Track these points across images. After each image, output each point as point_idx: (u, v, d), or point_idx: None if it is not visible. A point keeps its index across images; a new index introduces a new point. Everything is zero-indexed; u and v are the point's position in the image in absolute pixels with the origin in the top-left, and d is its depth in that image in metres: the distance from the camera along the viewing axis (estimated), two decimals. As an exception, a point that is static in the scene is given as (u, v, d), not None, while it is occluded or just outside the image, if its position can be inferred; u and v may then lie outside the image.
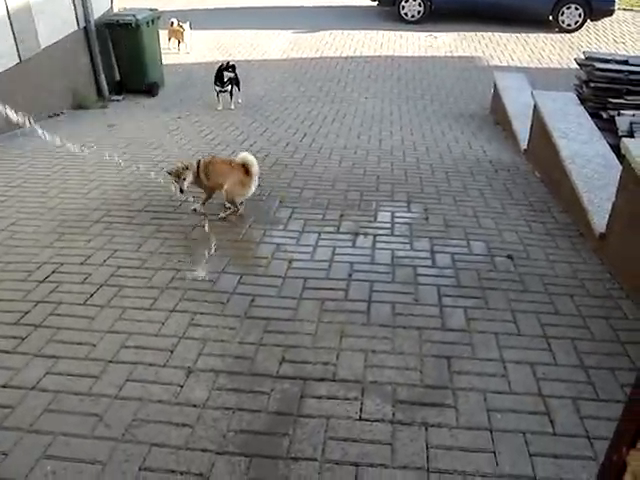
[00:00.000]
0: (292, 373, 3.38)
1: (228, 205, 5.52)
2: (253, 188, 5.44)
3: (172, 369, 3.40)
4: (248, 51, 15.55)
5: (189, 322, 3.83)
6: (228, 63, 10.38)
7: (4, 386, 3.24)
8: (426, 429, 3.01)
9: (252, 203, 5.72)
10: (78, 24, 10.87)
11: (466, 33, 17.00)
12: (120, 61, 11.80)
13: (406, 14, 18.02)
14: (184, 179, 5.28)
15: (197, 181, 5.47)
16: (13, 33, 8.62)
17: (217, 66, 10.43)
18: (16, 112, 8.64)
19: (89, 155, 7.46)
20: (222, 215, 5.49)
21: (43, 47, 9.57)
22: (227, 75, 10.25)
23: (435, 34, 16.99)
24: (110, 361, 3.46)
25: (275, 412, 3.09)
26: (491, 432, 3.00)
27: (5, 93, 8.38)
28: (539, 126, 7.09)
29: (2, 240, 4.98)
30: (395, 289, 4.31)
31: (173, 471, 2.72)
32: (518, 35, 16.62)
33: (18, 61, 8.80)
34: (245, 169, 5.32)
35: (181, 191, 5.32)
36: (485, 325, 3.89)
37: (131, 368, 3.40)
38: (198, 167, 5.41)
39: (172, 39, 15.26)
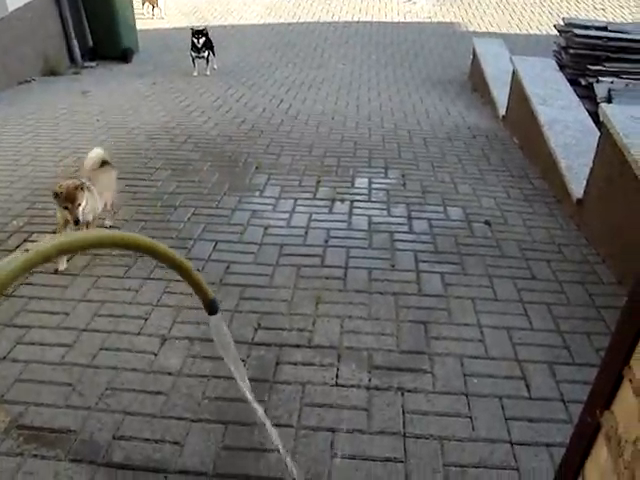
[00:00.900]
0: (268, 340, 3.35)
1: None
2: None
3: (146, 337, 3.36)
4: (224, 16, 15.31)
5: (163, 290, 3.78)
6: (199, 29, 10.19)
7: (-26, 356, 3.19)
8: (402, 394, 3.00)
9: (228, 169, 5.65)
10: (49, -14, 10.59)
11: (445, -1, 16.87)
12: (93, 26, 11.54)
13: (384, -21, 17.82)
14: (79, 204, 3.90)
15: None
16: (-20, -5, 8.39)
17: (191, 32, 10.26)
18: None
19: (62, 122, 7.32)
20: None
21: (11, 10, 9.31)
22: (194, 41, 10.06)
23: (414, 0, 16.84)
24: (83, 330, 3.40)
25: (251, 379, 3.06)
26: (467, 397, 2.99)
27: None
28: (518, 92, 7.05)
29: (-28, 208, 4.88)
30: (372, 255, 4.29)
31: (147, 439, 2.69)
32: (497, 1, 16.50)
33: (-15, 25, 8.58)
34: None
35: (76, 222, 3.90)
36: (462, 290, 3.88)
37: (104, 337, 3.35)
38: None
39: (146, 4, 15.00)
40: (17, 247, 4.27)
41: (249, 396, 2.15)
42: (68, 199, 3.84)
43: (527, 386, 3.08)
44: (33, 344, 3.29)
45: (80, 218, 3.87)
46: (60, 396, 2.93)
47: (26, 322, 3.47)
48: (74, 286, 3.84)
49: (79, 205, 3.86)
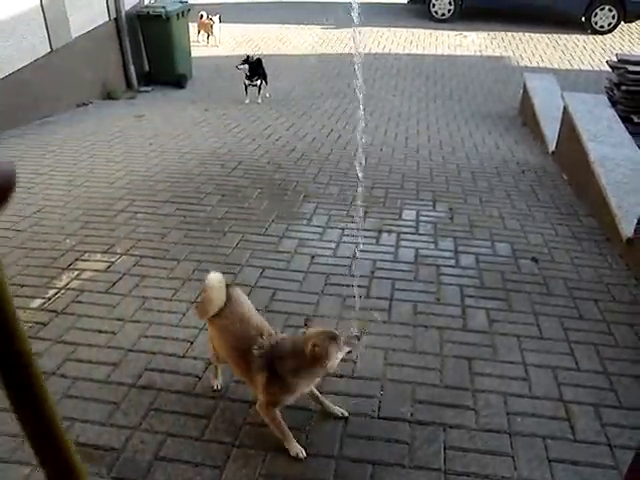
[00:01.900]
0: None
1: None
2: None
3: (191, 360, 3.40)
4: (277, 45, 15.57)
5: (210, 314, 3.83)
6: (249, 57, 10.37)
7: (25, 371, 3.26)
8: (444, 430, 2.98)
9: (277, 197, 5.72)
10: (109, 15, 10.94)
11: (496, 33, 16.87)
12: (150, 52, 11.87)
13: (436, 12, 17.92)
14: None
15: None
16: (45, 22, 8.70)
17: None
18: (45, 100, 8.73)
19: (116, 145, 7.51)
20: None
21: (74, 37, 9.64)
22: (242, 68, 10.22)
23: (465, 33, 16.88)
24: (130, 350, 3.47)
25: (292, 407, 3.08)
26: (510, 436, 2.96)
27: (36, 81, 8.47)
28: (568, 128, 7.00)
29: (28, 227, 5.02)
30: (417, 288, 4.28)
31: (188, 462, 2.72)
32: (549, 36, 16.46)
33: (49, 50, 8.88)
34: None
35: None
36: (507, 327, 3.85)
37: (150, 357, 3.40)
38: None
39: (201, 32, 15.33)
40: (69, 265, 4.38)
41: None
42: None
43: (572, 428, 3.03)
44: (81, 361, 3.36)
45: None
46: (105, 414, 2.98)
47: (75, 339, 3.55)
48: (122, 306, 3.92)
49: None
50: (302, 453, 2.74)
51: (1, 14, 7.80)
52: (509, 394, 3.25)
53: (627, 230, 4.82)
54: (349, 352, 2.78)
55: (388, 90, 12.26)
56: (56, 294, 4.02)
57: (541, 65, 14.17)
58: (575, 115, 6.81)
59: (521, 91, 10.56)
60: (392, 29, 17.21)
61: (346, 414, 2.98)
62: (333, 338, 2.66)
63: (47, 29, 8.76)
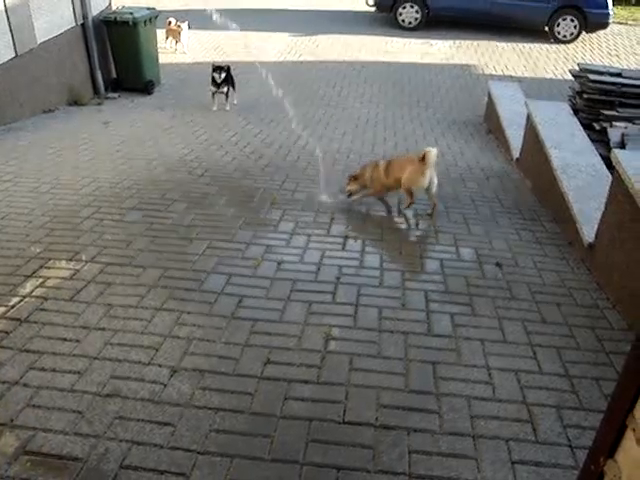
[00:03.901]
0: (276, 374, 3.37)
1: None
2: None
3: (157, 367, 3.39)
4: (245, 53, 15.54)
5: (175, 321, 3.83)
6: (220, 65, 10.35)
7: (-14, 380, 3.23)
8: (408, 434, 3.01)
9: (244, 204, 5.73)
10: (76, 21, 10.82)
11: (462, 41, 17.06)
12: (117, 59, 11.77)
13: (403, 20, 18.07)
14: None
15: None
16: (10, 27, 8.59)
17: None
18: (10, 106, 8.62)
19: (83, 151, 7.45)
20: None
21: (40, 42, 9.53)
22: (217, 76, 10.22)
23: (432, 41, 17.04)
24: (95, 357, 3.44)
25: (255, 413, 3.09)
26: (474, 438, 3.00)
27: (0, 86, 8.36)
28: (531, 135, 7.11)
29: (-9, 234, 4.96)
30: (382, 293, 4.31)
31: (153, 469, 2.71)
32: (514, 45, 16.70)
33: (14, 55, 8.77)
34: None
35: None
36: (471, 332, 3.90)
37: (115, 365, 3.38)
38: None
39: (169, 38, 15.24)
40: (33, 273, 4.34)
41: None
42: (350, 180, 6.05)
43: (534, 430, 3.08)
44: (45, 370, 3.33)
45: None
46: (69, 423, 2.96)
47: (39, 348, 3.51)
48: (87, 313, 3.89)
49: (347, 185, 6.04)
50: None
51: (-36, 19, 7.70)
52: (473, 397, 3.29)
53: (588, 235, 4.91)
54: None
55: (355, 97, 12.32)
56: (20, 302, 3.98)
57: (506, 73, 14.36)
58: (538, 123, 6.91)
59: (486, 99, 10.69)
60: (359, 37, 17.30)
61: None
62: None
63: (11, 34, 8.64)
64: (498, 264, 4.86)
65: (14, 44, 8.75)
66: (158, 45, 12.52)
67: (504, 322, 4.04)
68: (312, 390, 3.26)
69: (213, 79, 10.29)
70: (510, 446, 2.97)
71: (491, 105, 10.13)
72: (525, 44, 16.76)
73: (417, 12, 17.89)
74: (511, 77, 13.58)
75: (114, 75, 11.99)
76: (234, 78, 10.66)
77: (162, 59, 12.92)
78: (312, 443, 2.90)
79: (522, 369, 3.55)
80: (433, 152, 5.53)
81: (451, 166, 7.64)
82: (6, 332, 3.64)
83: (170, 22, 15.02)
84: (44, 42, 9.68)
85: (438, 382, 3.40)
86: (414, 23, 18.03)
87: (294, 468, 2.76)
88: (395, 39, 17.18)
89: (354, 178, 5.95)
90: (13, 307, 3.91)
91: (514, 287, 4.52)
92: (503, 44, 16.78)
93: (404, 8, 17.95)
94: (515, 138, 8.08)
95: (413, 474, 2.76)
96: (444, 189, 6.62)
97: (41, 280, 4.26)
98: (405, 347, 3.68)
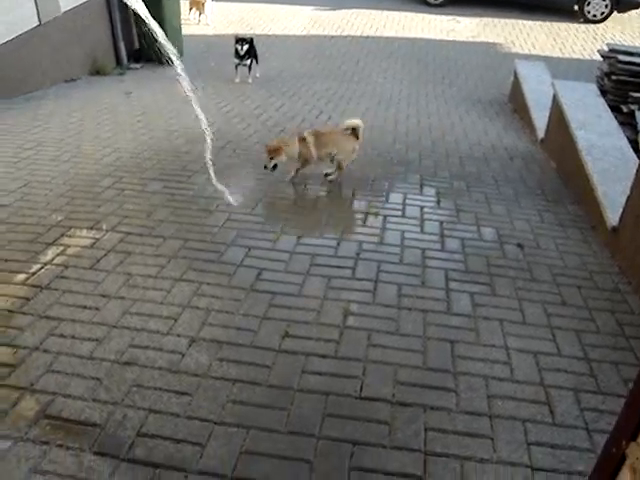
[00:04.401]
0: (294, 348, 3.37)
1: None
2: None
3: (175, 337, 3.40)
4: (268, 25, 15.45)
5: (194, 292, 3.83)
6: (244, 36, 10.28)
7: (7, 345, 3.26)
8: (425, 411, 3.00)
9: (264, 178, 5.71)
10: (100, -10, 10.80)
11: (489, 19, 16.82)
12: (140, 29, 11.73)
13: (430, -4, 17.84)
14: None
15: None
16: (34, -5, 8.59)
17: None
18: (32, 75, 8.63)
19: (104, 121, 7.45)
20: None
21: (63, 11, 9.52)
22: (240, 48, 10.15)
23: (458, 18, 16.83)
24: (114, 326, 3.46)
25: (273, 386, 3.09)
26: (490, 418, 2.99)
27: (23, 55, 8.36)
28: (557, 116, 7.02)
29: (13, 202, 4.98)
30: (402, 270, 4.29)
31: (170, 438, 2.73)
32: (542, 23, 16.42)
33: (37, 23, 8.76)
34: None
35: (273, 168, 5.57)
36: (491, 312, 3.87)
37: (134, 334, 3.40)
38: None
39: (193, 10, 15.17)
40: (54, 241, 4.36)
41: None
42: (268, 153, 5.52)
43: (551, 412, 3.06)
44: (64, 336, 3.35)
45: (268, 166, 5.53)
46: (87, 389, 2.98)
47: (59, 315, 3.54)
48: (107, 282, 3.91)
49: (271, 159, 5.49)
50: None
51: (-11, -13, 7.70)
52: (491, 377, 3.27)
53: (612, 219, 4.84)
54: None
55: (379, 73, 12.21)
56: (40, 269, 4.00)
57: (533, 52, 14.15)
58: (564, 103, 6.82)
59: (512, 78, 10.55)
60: (385, 12, 17.12)
61: None
62: None
63: (35, 3, 8.63)
64: (519, 245, 4.81)
65: (38, 13, 8.74)
66: (182, 16, 12.46)
67: (524, 303, 4.01)
68: (330, 365, 3.26)
69: (236, 51, 10.22)
70: (527, 427, 2.95)
71: (517, 84, 10.00)
72: (553, 23, 16.47)
73: (444, -12, 17.65)
74: (538, 56, 13.36)
75: (136, 46, 11.96)
76: (257, 50, 10.58)
77: (185, 30, 12.86)
78: (328, 417, 2.90)
79: (541, 351, 3.53)
80: (362, 126, 5.74)
81: (474, 145, 7.56)
82: (27, 298, 3.67)
83: (194, -7, 14.95)
84: (68, 11, 9.66)
85: (456, 361, 3.38)
86: (440, -1, 17.81)
87: (310, 441, 2.76)
88: (421, 15, 16.99)
89: (275, 150, 5.53)
90: (34, 274, 3.94)
91: (535, 269, 4.48)
92: (530, 22, 16.52)
93: (431, -16, 17.72)
94: (540, 118, 7.97)
95: (429, 451, 2.76)
96: (467, 168, 6.57)
97: (62, 248, 4.29)
98: (424, 325, 3.66)
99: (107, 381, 3.05)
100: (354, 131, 5.71)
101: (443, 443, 2.82)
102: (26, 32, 8.49)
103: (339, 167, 5.76)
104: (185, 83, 4.60)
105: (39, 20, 8.79)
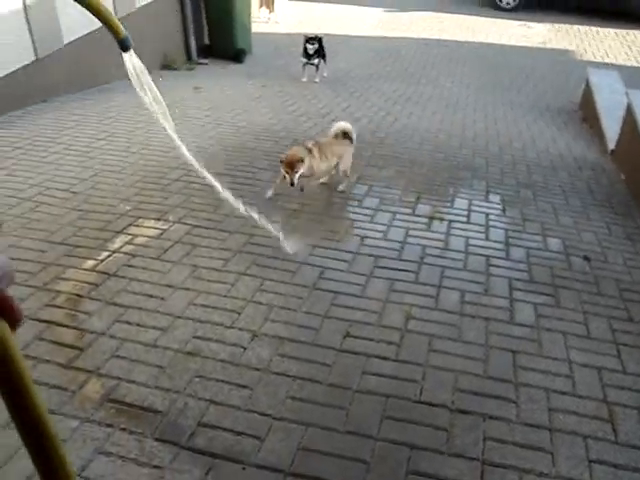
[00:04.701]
0: (355, 348, 3.38)
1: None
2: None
3: (238, 331, 3.45)
4: (337, 26, 15.49)
5: (258, 287, 3.88)
6: (313, 36, 10.32)
7: (75, 328, 3.36)
8: (484, 420, 2.97)
9: (330, 177, 5.73)
10: (174, -14, 11.02)
11: (562, 25, 16.52)
12: (211, 26, 11.92)
13: (501, 1, 17.60)
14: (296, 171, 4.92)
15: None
16: (111, -10, 8.82)
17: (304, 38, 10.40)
18: (103, 67, 8.85)
19: (172, 115, 7.56)
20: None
21: (138, 7, 9.73)
22: (309, 47, 10.19)
23: (529, 24, 16.56)
24: (178, 316, 3.53)
25: (332, 385, 3.10)
26: (551, 432, 2.94)
27: (97, 48, 8.58)
28: (630, 127, 6.84)
29: (84, 189, 5.11)
30: (466, 277, 4.26)
31: (230, 430, 2.77)
32: (617, 31, 16.03)
33: (114, 17, 8.98)
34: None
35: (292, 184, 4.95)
36: (554, 323, 3.81)
37: (197, 325, 3.46)
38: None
39: (263, 7, 15.32)
40: (122, 230, 4.47)
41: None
42: (288, 166, 4.88)
43: (614, 430, 2.99)
44: (130, 323, 3.43)
45: (295, 182, 4.91)
46: (151, 377, 3.05)
47: (125, 302, 3.62)
48: (173, 273, 3.98)
49: (296, 172, 4.88)
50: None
51: (67, -19, 7.93)
52: (552, 390, 3.22)
53: (685, 235, 4.71)
54: None
55: (447, 77, 12.11)
56: (109, 256, 4.11)
57: (606, 60, 13.83)
58: (639, 114, 6.64)
59: (583, 86, 10.33)
60: (454, 15, 16.99)
61: None
62: None
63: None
64: (586, 257, 4.72)
65: (114, 8, 8.95)
66: (252, 14, 12.59)
67: (589, 317, 3.92)
68: (390, 367, 3.26)
69: (305, 50, 10.26)
70: (588, 444, 2.89)
71: (588, 93, 9.79)
72: (629, 30, 16.03)
73: (517, -8, 17.40)
74: (611, 65, 13.06)
75: (206, 42, 12.14)
76: (325, 50, 10.62)
77: (255, 28, 13.02)
78: (387, 419, 2.90)
79: (605, 367, 3.45)
80: (354, 132, 5.60)
81: (542, 153, 7.43)
82: (95, 284, 3.77)
83: (265, -9, 15.12)
84: (142, 7, 9.87)
85: (517, 371, 3.34)
86: (512, 4, 17.58)
87: (368, 442, 2.76)
88: (491, 20, 16.80)
89: (296, 162, 4.93)
90: (103, 261, 4.04)
91: (601, 282, 4.39)
92: (604, 30, 16.14)
93: (503, -12, 17.50)
94: (611, 129, 7.79)
95: (487, 461, 2.73)
96: (534, 176, 6.47)
97: (130, 237, 4.39)
98: (486, 333, 3.63)
99: (170, 370, 3.11)
100: (346, 135, 5.52)
101: (502, 454, 2.78)
102: (100, 27, 8.69)
103: (345, 176, 5.58)
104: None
105: (115, 14, 9.00)
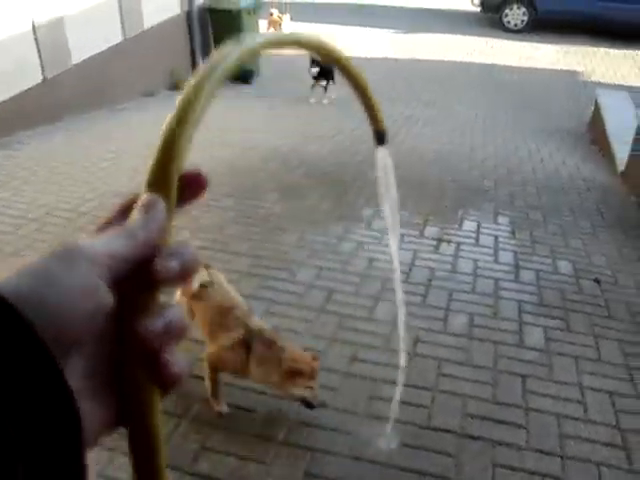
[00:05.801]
0: (362, 372, 3.34)
1: None
2: None
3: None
4: (345, 47, 15.54)
5: (265, 310, 3.84)
6: (315, 59, 10.34)
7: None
8: (493, 446, 2.92)
9: (337, 198, 5.71)
10: (181, 7, 11.09)
11: (569, 46, 16.51)
12: (218, 46, 11.91)
13: (509, 22, 17.63)
14: None
15: None
16: (120, 12, 8.89)
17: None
18: (112, 87, 8.92)
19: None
20: None
21: (146, 27, 9.82)
22: (312, 70, 10.20)
23: (537, 45, 16.59)
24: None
25: (339, 409, 3.06)
26: (562, 459, 2.88)
27: (106, 69, 8.66)
28: (640, 148, 6.81)
29: (90, 209, 5.11)
30: (474, 300, 4.21)
31: (232, 454, 2.72)
32: (626, 52, 15.99)
33: (122, 39, 9.06)
34: None
35: None
36: (565, 347, 3.76)
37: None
38: None
39: (271, 29, 15.43)
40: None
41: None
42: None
43: (628, 457, 2.93)
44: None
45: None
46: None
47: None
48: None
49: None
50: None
51: (80, 4, 8.00)
52: (563, 416, 3.17)
53: (697, 257, 4.66)
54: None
55: (455, 98, 12.12)
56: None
57: (615, 82, 13.79)
58: (649, 135, 6.62)
59: (592, 108, 10.31)
60: (462, 37, 17.03)
61: None
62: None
63: (121, 19, 8.95)
64: (597, 280, 4.66)
65: (123, 28, 9.04)
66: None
67: (600, 341, 3.87)
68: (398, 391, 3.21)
69: (312, 71, 10.29)
70: (601, 471, 2.84)
71: (597, 114, 9.76)
72: (638, 52, 16.01)
73: (524, 14, 17.41)
74: (621, 86, 13.03)
75: (215, 62, 12.20)
76: (333, 72, 10.63)
77: (263, 49, 13.06)
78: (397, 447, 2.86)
79: (617, 392, 3.40)
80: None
81: (551, 174, 7.40)
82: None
83: (272, 13, 15.24)
84: (150, 28, 9.95)
85: (527, 396, 3.29)
86: (520, 25, 17.56)
87: (375, 468, 2.73)
88: (498, 41, 16.82)
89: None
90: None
91: (612, 305, 4.33)
92: (614, 50, 16.12)
93: (510, 9, 17.49)
94: (621, 150, 7.74)
95: (497, 488, 2.68)
96: (543, 198, 6.43)
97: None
98: (495, 357, 3.58)
99: (172, 395, 3.07)
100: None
101: (512, 481, 2.73)
102: (111, 47, 8.78)
103: None
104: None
105: (124, 35, 9.10)
